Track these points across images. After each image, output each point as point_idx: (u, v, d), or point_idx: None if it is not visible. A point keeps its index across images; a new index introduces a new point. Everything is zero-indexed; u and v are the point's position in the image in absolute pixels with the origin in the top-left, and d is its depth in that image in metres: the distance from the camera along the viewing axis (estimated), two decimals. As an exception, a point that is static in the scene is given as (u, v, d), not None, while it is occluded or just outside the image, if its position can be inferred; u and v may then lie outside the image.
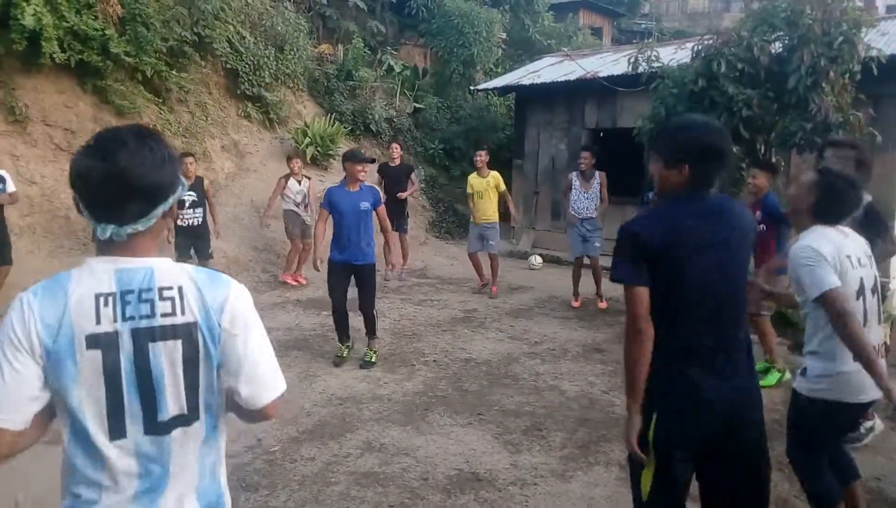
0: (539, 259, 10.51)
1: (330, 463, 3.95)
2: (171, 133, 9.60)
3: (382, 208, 5.82)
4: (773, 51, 6.44)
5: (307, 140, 11.04)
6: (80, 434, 1.38)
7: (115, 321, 1.36)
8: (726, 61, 6.36)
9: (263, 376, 1.47)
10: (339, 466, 3.92)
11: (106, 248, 1.40)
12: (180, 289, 1.41)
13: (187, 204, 7.22)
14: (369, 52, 13.97)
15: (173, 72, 9.63)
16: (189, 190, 7.17)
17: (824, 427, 2.75)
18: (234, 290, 1.47)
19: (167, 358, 1.39)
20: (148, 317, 1.38)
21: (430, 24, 14.74)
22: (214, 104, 10.57)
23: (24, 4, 7.61)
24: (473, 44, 14.08)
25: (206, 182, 7.68)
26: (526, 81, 11.83)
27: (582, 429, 4.49)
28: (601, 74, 10.62)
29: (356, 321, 5.95)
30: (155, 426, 1.40)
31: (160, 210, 1.41)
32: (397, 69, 14.31)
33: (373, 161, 5.69)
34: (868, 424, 4.06)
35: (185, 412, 1.42)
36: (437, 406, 4.83)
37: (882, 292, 2.89)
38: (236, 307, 1.44)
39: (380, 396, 5.04)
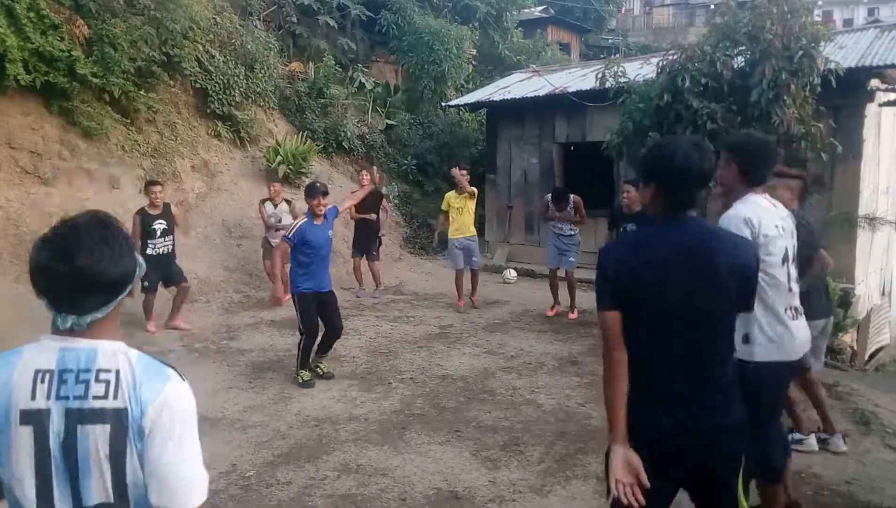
0: (513, 273, 10.57)
1: (307, 487, 3.91)
2: (140, 154, 9.49)
3: (340, 209, 6.10)
4: (735, 65, 6.60)
5: (279, 158, 10.98)
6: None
7: (49, 398, 1.35)
8: (690, 76, 6.51)
9: (176, 486, 1.37)
10: (317, 489, 3.88)
11: (60, 332, 1.40)
12: (117, 373, 1.38)
13: (158, 233, 7.12)
14: (340, 69, 14.01)
15: (141, 92, 9.52)
16: (158, 218, 7.13)
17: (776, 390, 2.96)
18: (169, 391, 1.40)
19: (94, 442, 1.35)
20: (81, 398, 1.35)
21: (400, 42, 14.84)
22: (184, 124, 10.47)
23: (-13, 26, 7.49)
24: (444, 60, 14.20)
25: (172, 207, 7.54)
26: (497, 97, 11.96)
27: (559, 442, 4.51)
28: (570, 90, 10.77)
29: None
30: None
31: (119, 299, 1.43)
32: (369, 86, 14.36)
33: (324, 193, 5.72)
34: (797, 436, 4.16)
35: (111, 500, 1.38)
36: (414, 425, 4.81)
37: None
38: (163, 411, 1.37)
39: (356, 416, 5.00)
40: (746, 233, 2.72)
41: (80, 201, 8.51)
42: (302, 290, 5.69)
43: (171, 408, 1.38)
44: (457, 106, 13.46)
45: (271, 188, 8.85)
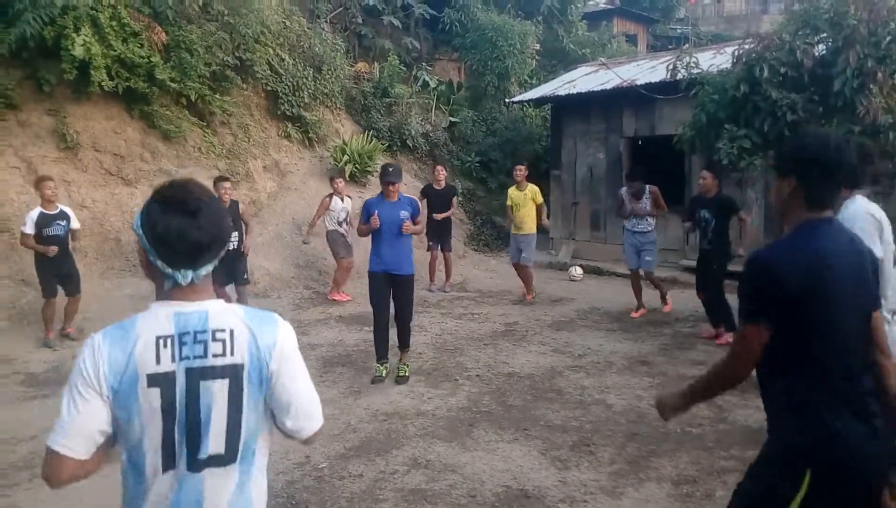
0: (579, 270, 10.41)
1: (377, 480, 3.97)
2: (216, 155, 9.87)
3: (420, 219, 5.85)
4: (816, 53, 6.29)
5: (345, 158, 11.20)
6: (135, 467, 1.50)
7: (173, 361, 1.48)
8: (769, 66, 6.24)
9: (306, 411, 1.61)
10: (387, 483, 3.93)
11: (167, 293, 1.54)
12: (232, 331, 1.52)
13: None
14: (404, 68, 14.13)
15: (216, 95, 9.90)
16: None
17: None
18: (282, 332, 1.59)
19: (214, 396, 1.49)
20: (201, 357, 1.49)
21: (463, 39, 14.84)
22: (256, 126, 10.82)
23: (74, 35, 7.95)
24: (507, 56, 14.12)
25: (241, 205, 7.72)
26: (562, 92, 11.79)
27: (631, 444, 4.41)
28: (638, 82, 10.52)
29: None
30: (194, 463, 1.50)
31: (223, 253, 1.58)
32: (432, 84, 14.43)
33: (395, 182, 5.60)
34: None
35: (223, 452, 1.51)
36: (481, 422, 4.81)
37: None
38: (284, 349, 1.57)
39: (424, 412, 5.05)
40: (873, 229, 2.61)
41: (160, 201, 8.91)
42: (370, 269, 5.70)
43: (289, 347, 1.59)
44: (520, 102, 13.36)
45: (335, 184, 8.85)
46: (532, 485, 3.86)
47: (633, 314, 7.88)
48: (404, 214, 5.57)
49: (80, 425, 1.44)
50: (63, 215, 6.75)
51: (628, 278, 8.09)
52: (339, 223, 8.75)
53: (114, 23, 8.47)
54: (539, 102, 13.07)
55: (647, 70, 11.28)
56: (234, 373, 1.50)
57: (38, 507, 3.69)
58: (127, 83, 8.67)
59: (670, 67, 7.99)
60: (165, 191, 1.52)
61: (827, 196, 1.99)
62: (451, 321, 7.84)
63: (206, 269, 1.53)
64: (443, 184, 9.45)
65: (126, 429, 1.48)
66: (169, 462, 1.48)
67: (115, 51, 8.40)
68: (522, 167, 8.58)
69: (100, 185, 8.69)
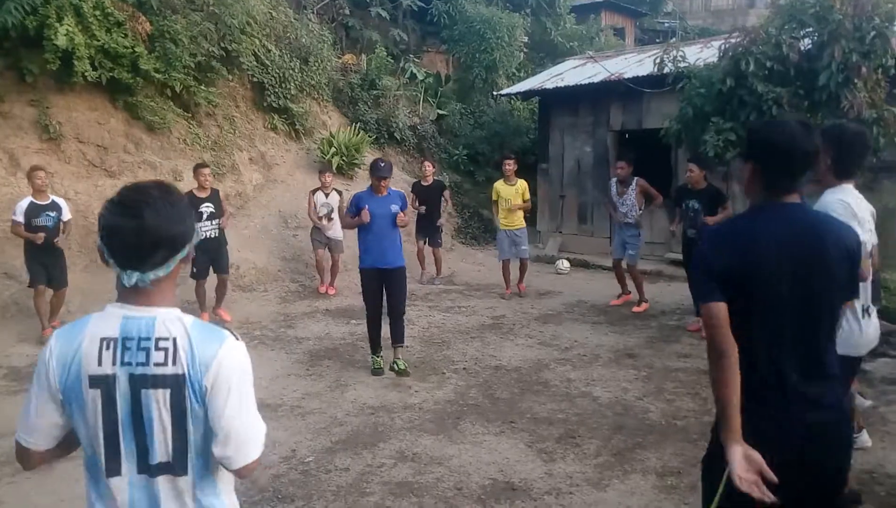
0: (566, 264, 10.44)
1: (364, 473, 3.96)
2: (201, 147, 9.77)
3: (407, 213, 5.80)
4: (802, 48, 6.33)
5: (332, 150, 11.13)
6: (91, 463, 1.54)
7: (114, 364, 1.47)
8: (755, 60, 6.27)
9: (236, 440, 1.49)
10: (374, 476, 3.93)
11: (123, 295, 1.51)
12: (174, 341, 1.48)
13: (204, 216, 7.10)
14: (392, 60, 14.06)
15: (202, 86, 9.80)
16: (206, 201, 7.17)
17: None
18: (225, 349, 1.50)
19: (157, 406, 1.47)
20: (143, 364, 1.46)
21: (451, 31, 14.79)
22: (242, 117, 10.72)
23: (57, 25, 7.82)
24: (495, 49, 14.08)
25: (221, 193, 7.60)
26: (549, 85, 11.79)
27: (617, 436, 4.44)
28: (626, 76, 10.54)
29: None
30: (147, 468, 1.50)
31: (179, 257, 1.52)
32: (420, 77, 14.38)
33: (385, 177, 5.56)
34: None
35: (171, 460, 1.49)
36: (468, 415, 4.82)
37: None
38: (221, 367, 1.48)
39: (411, 405, 5.05)
40: (847, 218, 2.61)
41: (144, 193, 8.81)
42: (361, 266, 5.69)
43: (228, 367, 1.48)
44: (508, 95, 13.35)
45: (323, 178, 8.75)
46: (518, 477, 3.88)
47: (613, 302, 7.97)
48: (395, 207, 5.54)
49: (36, 420, 1.52)
50: (54, 206, 6.64)
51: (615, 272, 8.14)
52: (320, 218, 8.64)
53: (97, 12, 8.34)
54: (527, 95, 13.06)
55: (635, 64, 11.30)
56: (175, 383, 1.46)
57: (23, 501, 3.66)
58: (111, 74, 8.55)
59: (657, 60, 8.01)
60: (122, 190, 1.52)
61: (784, 181, 2.00)
62: (439, 314, 7.84)
63: (156, 273, 1.48)
64: (430, 180, 9.42)
65: (76, 426, 1.51)
66: (114, 467, 1.49)
67: (99, 41, 8.27)
68: (512, 161, 8.46)
69: (83, 176, 8.58)
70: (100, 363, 1.46)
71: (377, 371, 5.67)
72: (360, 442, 4.38)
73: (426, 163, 9.60)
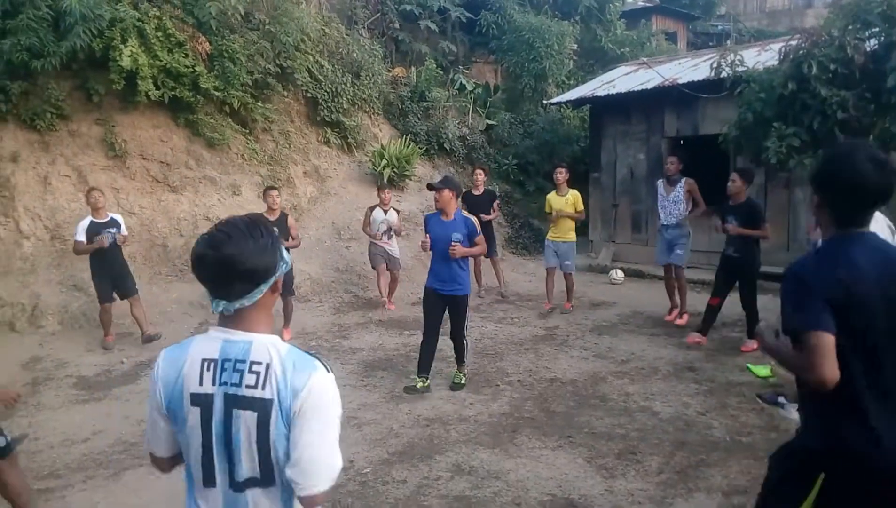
0: (620, 273, 10.26)
1: (421, 486, 3.96)
2: (258, 162, 10.03)
3: (481, 238, 5.59)
4: (867, 49, 6.08)
5: (384, 162, 11.26)
6: (189, 474, 1.66)
7: (213, 384, 1.58)
8: (817, 62, 6.04)
9: (309, 468, 1.54)
10: (431, 489, 3.92)
11: (222, 319, 1.62)
12: (267, 366, 1.56)
13: None
14: (441, 72, 14.16)
15: (258, 103, 10.07)
16: (273, 225, 7.26)
17: None
18: (316, 378, 1.56)
19: (244, 425, 1.55)
20: (236, 385, 1.56)
21: (500, 41, 14.79)
22: (296, 132, 10.97)
23: (122, 46, 8.18)
24: (545, 57, 14.01)
25: (290, 218, 7.62)
26: (601, 92, 11.65)
27: (679, 453, 4.32)
28: (680, 81, 10.32)
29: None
30: (234, 483, 1.60)
31: (263, 288, 1.60)
32: (469, 87, 14.42)
33: (435, 188, 5.46)
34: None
35: (258, 476, 1.58)
36: (524, 428, 4.77)
37: None
38: (310, 396, 1.54)
39: (466, 417, 5.03)
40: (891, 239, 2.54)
41: (204, 208, 9.12)
42: (426, 284, 5.64)
43: (315, 397, 1.55)
44: (558, 103, 13.24)
45: (381, 195, 8.61)
46: (578, 494, 3.81)
47: (667, 317, 7.67)
48: (457, 235, 5.37)
49: (153, 431, 1.68)
50: (113, 223, 6.91)
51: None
52: (381, 236, 8.52)
53: (159, 33, 8.69)
54: (577, 104, 12.94)
55: (689, 68, 11.07)
56: (262, 407, 1.54)
57: (93, 508, 3.79)
58: (172, 92, 8.88)
59: (714, 64, 7.82)
60: (216, 223, 1.63)
61: (852, 215, 1.95)
62: (491, 325, 7.80)
63: (241, 303, 1.57)
64: (482, 189, 9.36)
65: (180, 438, 1.65)
66: (210, 478, 1.60)
67: (161, 61, 8.61)
68: (563, 169, 8.28)
69: (147, 192, 8.92)
70: (201, 383, 1.58)
71: (409, 389, 5.55)
72: (417, 454, 4.39)
73: (478, 171, 9.50)
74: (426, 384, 5.58)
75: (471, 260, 8.52)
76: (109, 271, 6.79)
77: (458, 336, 5.67)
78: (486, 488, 3.90)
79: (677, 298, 7.66)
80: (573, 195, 8.21)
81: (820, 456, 1.96)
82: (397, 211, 8.90)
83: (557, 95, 13.90)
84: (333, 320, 8.19)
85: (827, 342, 1.86)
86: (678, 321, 7.53)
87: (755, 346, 6.39)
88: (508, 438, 4.61)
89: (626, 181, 11.58)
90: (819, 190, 2.00)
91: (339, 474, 1.60)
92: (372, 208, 8.69)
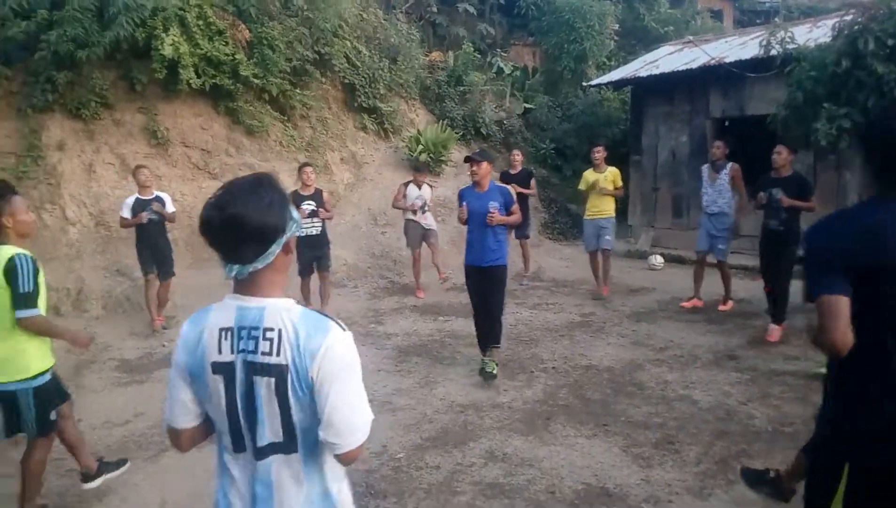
0: (660, 259, 10.03)
1: (454, 472, 3.95)
2: (296, 148, 10.11)
3: (516, 207, 5.51)
4: (930, 22, 5.75)
5: (420, 147, 11.23)
6: (219, 443, 1.69)
7: (232, 352, 1.57)
8: (874, 38, 5.75)
9: (341, 426, 1.54)
10: (464, 475, 3.90)
11: (237, 285, 1.61)
12: (279, 332, 1.54)
13: (306, 213, 7.19)
14: (479, 55, 14.02)
15: (296, 90, 10.14)
16: (308, 199, 7.32)
17: None
18: (331, 339, 1.55)
19: (264, 391, 1.55)
20: (252, 353, 1.56)
21: (539, 22, 14.55)
22: (333, 118, 11.01)
23: (164, 35, 8.31)
24: (585, 38, 13.73)
25: (324, 193, 7.69)
26: (643, 73, 11.35)
27: (719, 443, 4.20)
28: (727, 60, 9.97)
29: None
30: (257, 449, 1.60)
31: (274, 248, 1.56)
32: (507, 70, 14.26)
33: (474, 160, 5.38)
34: None
35: (280, 440, 1.59)
36: (559, 416, 4.71)
37: None
38: (326, 357, 1.53)
39: (500, 404, 4.98)
40: None
41: (243, 194, 9.23)
42: (465, 262, 5.58)
43: (333, 357, 1.53)
44: (598, 85, 12.97)
45: (418, 179, 8.60)
46: (614, 483, 3.74)
47: (684, 304, 7.47)
48: (493, 204, 5.29)
49: (173, 400, 1.66)
50: (158, 200, 6.99)
51: (713, 268, 7.46)
52: (414, 212, 8.56)
53: (200, 22, 8.79)
54: (619, 85, 12.64)
55: (737, 47, 10.69)
56: (279, 373, 1.53)
57: (133, 490, 3.88)
58: (213, 80, 8.99)
59: (763, 42, 7.54)
60: (221, 186, 1.59)
61: (889, 175, 1.88)
62: (526, 310, 7.72)
63: (254, 266, 1.54)
64: (518, 168, 9.23)
65: (207, 408, 1.66)
66: (239, 445, 1.62)
67: (202, 49, 8.72)
68: (601, 147, 8.09)
69: (188, 179, 9.08)
70: (220, 352, 1.58)
71: (484, 373, 5.42)
72: (450, 440, 4.37)
73: (514, 151, 9.43)
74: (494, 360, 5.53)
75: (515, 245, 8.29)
76: (152, 248, 6.95)
77: (495, 311, 5.50)
78: (519, 475, 3.86)
79: (705, 286, 7.44)
80: (612, 172, 8.00)
81: (843, 443, 1.92)
82: (431, 186, 8.87)
83: (598, 76, 13.63)
84: (369, 305, 8.23)
85: (835, 303, 1.82)
86: (721, 308, 7.34)
87: (777, 337, 6.18)
88: (543, 425, 4.55)
89: (668, 164, 11.29)
90: (863, 145, 1.96)
91: (371, 455, 1.64)
92: (406, 184, 8.67)
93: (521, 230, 9.08)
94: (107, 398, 5.32)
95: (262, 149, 9.81)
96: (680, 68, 10.80)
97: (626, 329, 6.81)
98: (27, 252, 3.17)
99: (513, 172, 9.17)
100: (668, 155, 11.30)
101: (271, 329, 1.55)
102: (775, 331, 6.19)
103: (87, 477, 3.69)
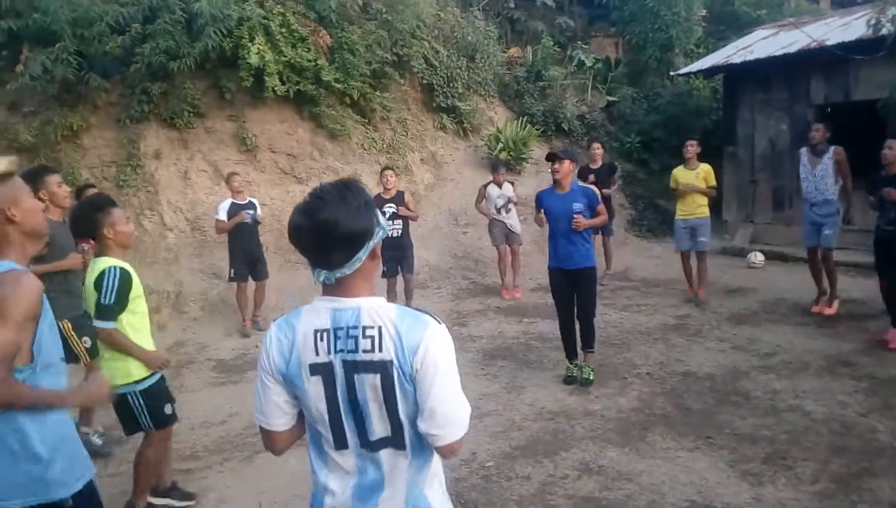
0: (760, 256, 9.43)
1: (546, 484, 3.79)
2: (377, 150, 10.20)
3: (602, 208, 5.29)
4: None
5: (500, 146, 11.07)
6: (315, 441, 1.70)
7: (329, 353, 1.59)
8: None
9: (442, 419, 1.56)
10: (557, 488, 3.74)
11: (326, 289, 1.63)
12: (380, 329, 1.56)
13: (387, 215, 7.21)
14: (558, 49, 13.68)
15: (376, 92, 10.21)
16: (389, 202, 7.34)
17: None
18: (430, 332, 1.57)
19: (369, 388, 1.57)
20: (352, 352, 1.57)
21: (622, 12, 14.06)
22: (413, 119, 11.03)
23: (250, 44, 8.54)
24: (671, 26, 13.14)
25: (406, 194, 7.72)
26: (736, 59, 10.73)
27: (837, 460, 3.84)
28: (829, 42, 9.26)
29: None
30: (368, 444, 1.62)
31: (362, 254, 1.57)
32: (588, 63, 13.82)
33: (557, 157, 5.15)
34: None
35: (390, 434, 1.61)
36: (656, 426, 4.45)
37: None
38: (428, 350, 1.55)
39: (592, 411, 4.78)
40: None
41: (327, 197, 9.39)
42: (548, 265, 5.35)
43: (434, 351, 1.55)
44: (687, 74, 12.37)
45: (497, 177, 8.46)
46: (721, 501, 3.48)
47: (815, 308, 6.84)
48: (578, 205, 5.06)
49: (265, 403, 1.67)
50: (251, 206, 7.23)
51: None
52: (498, 211, 8.40)
53: (283, 30, 8.99)
54: (709, 73, 12.00)
55: (839, 28, 9.92)
56: (383, 369, 1.55)
57: (228, 492, 3.95)
58: (297, 87, 9.17)
59: (871, 21, 6.93)
60: (309, 193, 1.60)
61: None
62: (615, 312, 7.42)
63: (342, 271, 1.56)
64: (599, 162, 8.89)
65: (304, 408, 1.67)
66: (341, 440, 1.63)
67: (286, 56, 8.91)
68: (694, 142, 7.60)
69: (276, 183, 9.33)
70: (317, 353, 1.59)
71: (568, 380, 5.30)
72: (541, 450, 4.22)
73: (595, 144, 9.06)
74: (579, 369, 5.35)
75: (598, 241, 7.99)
76: (246, 251, 7.14)
77: (588, 314, 5.27)
78: (616, 490, 3.66)
79: (826, 284, 6.84)
80: (704, 169, 7.53)
81: None
82: (512, 183, 8.69)
83: (685, 65, 13.01)
84: (452, 306, 8.16)
85: None
86: (826, 311, 6.75)
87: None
88: (639, 436, 4.32)
89: (766, 155, 10.62)
90: None
91: (460, 463, 1.60)
92: (486, 185, 8.54)
93: (604, 227, 8.73)
94: (205, 397, 5.49)
95: (345, 152, 9.95)
96: (777, 53, 10.12)
97: (725, 333, 6.40)
98: (122, 265, 3.26)
99: (593, 166, 8.84)
100: (766, 145, 10.63)
101: (371, 327, 1.57)
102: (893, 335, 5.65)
103: (154, 491, 3.72)
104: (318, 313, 1.61)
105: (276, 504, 3.75)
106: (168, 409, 3.48)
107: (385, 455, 1.62)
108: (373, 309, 1.59)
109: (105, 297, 3.18)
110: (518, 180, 10.95)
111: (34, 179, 3.76)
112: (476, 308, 8.02)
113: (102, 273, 3.19)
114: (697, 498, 3.52)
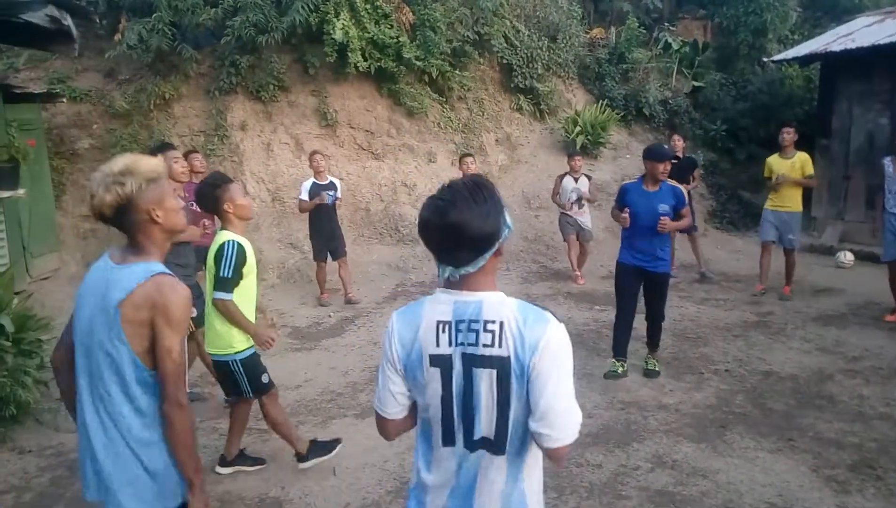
0: (850, 256, 8.93)
1: (618, 474, 3.75)
2: (452, 130, 10.19)
3: (687, 210, 5.11)
4: None
5: (577, 129, 10.85)
6: (425, 434, 1.71)
7: (450, 345, 1.59)
8: None
9: (553, 419, 1.52)
10: (629, 478, 3.69)
11: (448, 282, 1.63)
12: (501, 324, 1.55)
13: None
14: (644, 31, 13.23)
15: (455, 71, 10.19)
16: None
17: None
18: (550, 331, 1.54)
19: (484, 384, 1.56)
20: (473, 345, 1.57)
21: (712, -6, 13.46)
22: (490, 99, 10.95)
23: (335, 20, 8.65)
24: (765, 10, 12.49)
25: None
26: (836, 47, 10.09)
27: (932, 475, 3.63)
28: (943, 30, 8.59)
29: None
30: (470, 443, 1.61)
31: (487, 255, 1.57)
32: (675, 46, 13.32)
33: (676, 158, 4.96)
34: None
35: (492, 437, 1.59)
36: (735, 425, 4.32)
37: None
38: (548, 348, 1.52)
39: (665, 405, 4.68)
40: None
41: (403, 175, 9.49)
42: (619, 259, 5.16)
43: (553, 349, 1.53)
44: (781, 61, 11.73)
45: (572, 162, 8.31)
46: (802, 506, 3.36)
47: (889, 317, 6.43)
48: (664, 207, 4.83)
49: (384, 391, 1.70)
50: (332, 186, 7.32)
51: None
52: (571, 204, 8.22)
53: (367, 6, 9.07)
54: (805, 61, 11.33)
55: (956, 14, 9.18)
56: (500, 365, 1.54)
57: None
58: (378, 63, 9.26)
59: None
60: (440, 188, 1.60)
61: None
62: (692, 306, 7.20)
63: (466, 269, 1.56)
64: (679, 155, 8.59)
65: (418, 399, 1.68)
66: (449, 437, 1.63)
67: (369, 33, 8.99)
68: (791, 129, 7.21)
69: (353, 159, 9.47)
70: (438, 345, 1.60)
71: (610, 375, 5.18)
72: (612, 439, 4.16)
73: (674, 137, 8.73)
74: (625, 369, 5.23)
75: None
76: (325, 231, 7.25)
77: (657, 317, 5.19)
78: (691, 486, 3.58)
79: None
80: (801, 158, 7.14)
81: None
82: (589, 178, 8.51)
83: (779, 51, 12.35)
84: (521, 289, 8.11)
85: None
86: (889, 317, 6.39)
87: None
88: (716, 433, 4.20)
89: (863, 150, 10.00)
90: None
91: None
92: (561, 177, 8.39)
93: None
94: (281, 362, 5.67)
95: (421, 130, 9.99)
96: (882, 42, 9.44)
97: (810, 333, 6.12)
98: (240, 239, 3.44)
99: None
100: (863, 139, 10.00)
101: (492, 321, 1.55)
102: None
103: (223, 460, 3.88)
104: (441, 304, 1.62)
105: (349, 471, 3.86)
106: (265, 378, 3.66)
107: (483, 455, 1.61)
108: (495, 304, 1.58)
109: (223, 270, 3.36)
110: (594, 166, 10.75)
111: (155, 154, 3.98)
112: (546, 293, 7.95)
113: (221, 247, 3.38)
114: (777, 501, 3.40)
